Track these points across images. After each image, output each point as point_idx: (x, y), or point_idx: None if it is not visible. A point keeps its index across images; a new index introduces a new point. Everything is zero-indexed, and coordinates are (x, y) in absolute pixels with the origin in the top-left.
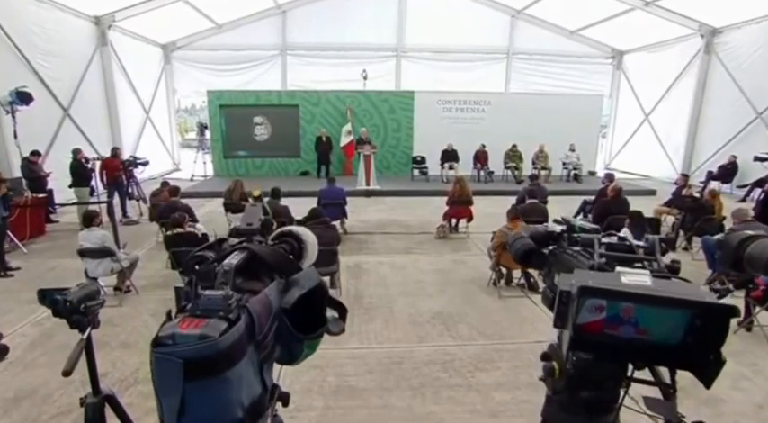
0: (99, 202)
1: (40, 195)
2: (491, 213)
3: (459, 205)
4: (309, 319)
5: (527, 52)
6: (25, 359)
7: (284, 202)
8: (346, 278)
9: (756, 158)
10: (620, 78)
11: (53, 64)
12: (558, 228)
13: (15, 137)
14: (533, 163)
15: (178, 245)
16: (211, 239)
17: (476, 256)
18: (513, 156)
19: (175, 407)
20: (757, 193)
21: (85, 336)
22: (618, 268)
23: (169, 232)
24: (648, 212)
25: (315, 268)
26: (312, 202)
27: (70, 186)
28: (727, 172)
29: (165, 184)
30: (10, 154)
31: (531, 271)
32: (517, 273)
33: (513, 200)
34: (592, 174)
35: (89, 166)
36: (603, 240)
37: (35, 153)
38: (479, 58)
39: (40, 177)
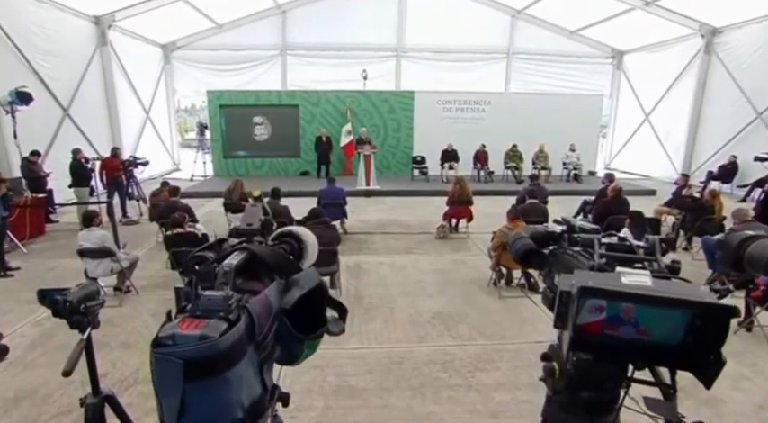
0: (99, 202)
1: (40, 195)
2: (491, 213)
3: (460, 205)
4: (309, 320)
5: (527, 52)
6: (25, 359)
7: (284, 202)
8: (346, 278)
9: (756, 158)
10: (621, 78)
11: (53, 64)
12: (559, 228)
13: (15, 137)
14: (533, 163)
15: (178, 245)
16: (211, 240)
17: (476, 257)
18: (513, 156)
19: (175, 407)
20: (757, 193)
21: (85, 336)
22: (618, 269)
23: (169, 232)
24: (648, 212)
25: (315, 268)
26: (312, 202)
27: (70, 186)
28: (728, 172)
29: (164, 184)
30: (10, 154)
31: (531, 271)
32: (517, 273)
33: (513, 200)
34: (592, 174)
35: (89, 166)
36: (603, 241)
37: (35, 153)
38: (479, 58)
39: (40, 177)
